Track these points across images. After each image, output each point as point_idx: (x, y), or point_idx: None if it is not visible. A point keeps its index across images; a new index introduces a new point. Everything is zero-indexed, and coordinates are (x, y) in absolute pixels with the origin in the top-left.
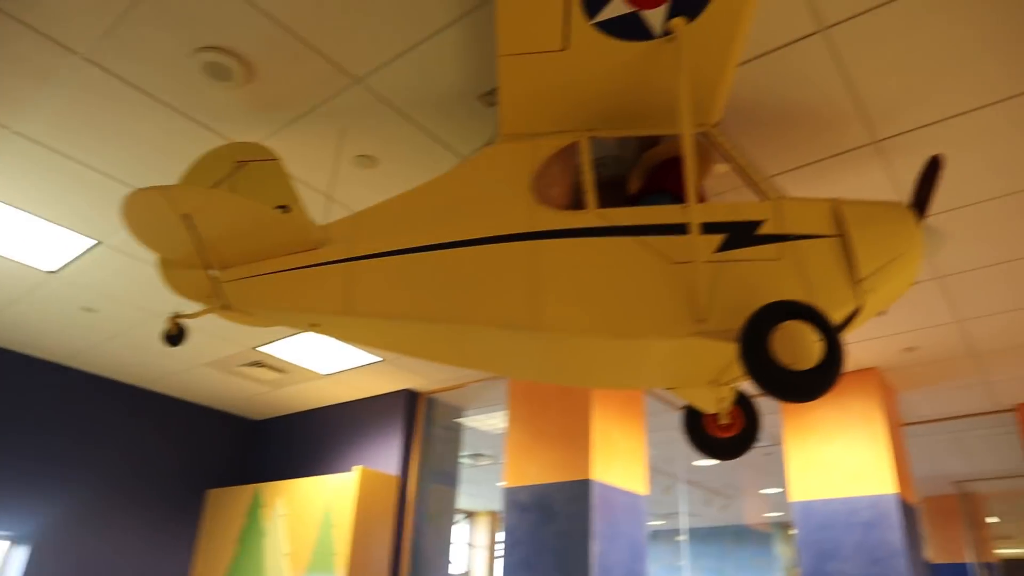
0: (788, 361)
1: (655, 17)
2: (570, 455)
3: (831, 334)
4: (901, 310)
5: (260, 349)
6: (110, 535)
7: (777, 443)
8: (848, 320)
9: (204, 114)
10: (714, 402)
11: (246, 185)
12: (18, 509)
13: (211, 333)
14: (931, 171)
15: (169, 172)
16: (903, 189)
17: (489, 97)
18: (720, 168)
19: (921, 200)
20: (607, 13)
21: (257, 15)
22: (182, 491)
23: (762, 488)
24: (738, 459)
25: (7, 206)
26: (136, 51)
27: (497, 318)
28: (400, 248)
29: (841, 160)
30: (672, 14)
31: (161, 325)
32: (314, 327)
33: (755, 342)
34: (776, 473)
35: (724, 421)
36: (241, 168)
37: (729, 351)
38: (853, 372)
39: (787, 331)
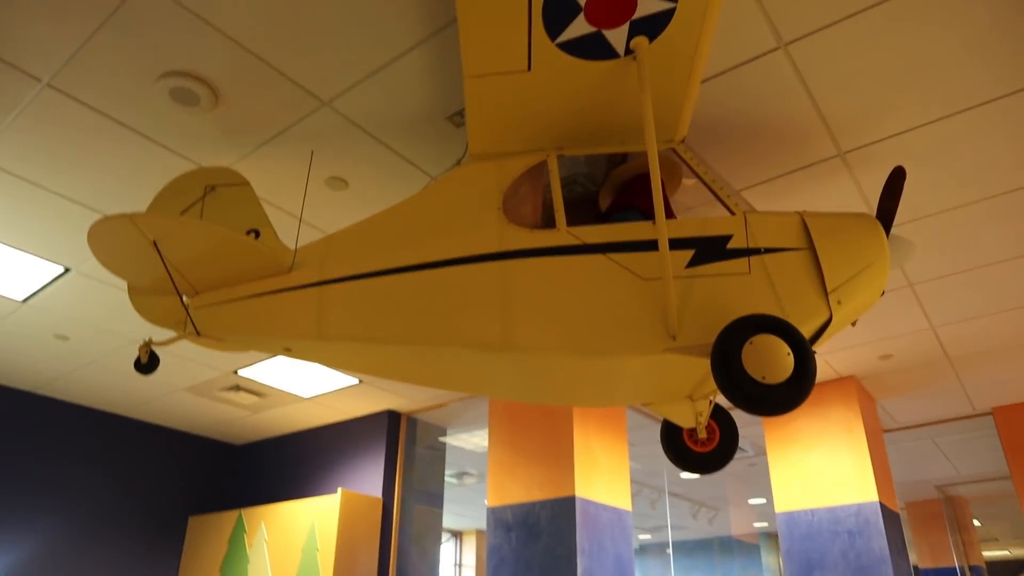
0: (760, 375)
1: (617, 37)
2: (553, 472)
3: (802, 347)
4: (876, 318)
5: (239, 373)
6: (89, 566)
7: (762, 453)
8: (819, 332)
9: (172, 139)
10: (691, 416)
11: (216, 210)
12: (5, 536)
13: (189, 358)
14: (895, 182)
15: (138, 198)
16: (872, 199)
17: (457, 117)
18: (688, 182)
19: (887, 211)
20: (570, 33)
21: (222, 40)
22: (163, 518)
23: (748, 499)
24: (722, 471)
25: None
26: (101, 77)
27: (469, 339)
28: (371, 271)
29: (808, 172)
30: (633, 34)
31: (135, 350)
32: (287, 351)
33: (727, 357)
34: (762, 483)
35: (702, 435)
36: (211, 193)
37: (703, 366)
38: (832, 381)
39: (758, 345)
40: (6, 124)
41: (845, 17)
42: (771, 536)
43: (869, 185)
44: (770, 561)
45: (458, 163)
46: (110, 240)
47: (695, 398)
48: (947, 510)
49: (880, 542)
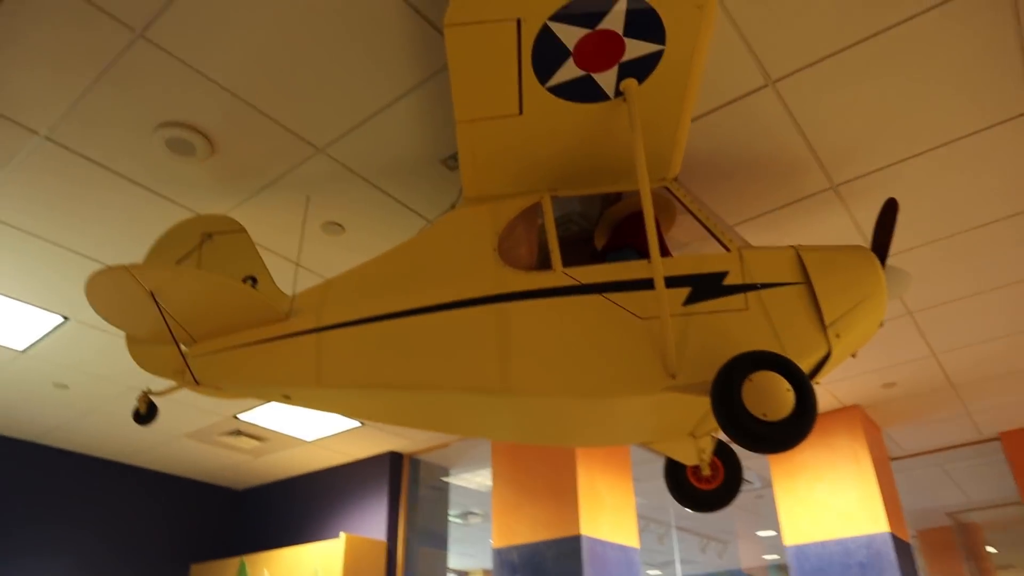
0: (761, 412)
1: (607, 79)
2: (558, 511)
3: (802, 382)
4: (877, 346)
5: (240, 417)
6: None
7: (768, 485)
8: (819, 366)
9: (169, 188)
10: (694, 454)
11: (213, 257)
12: None
13: (189, 403)
14: (888, 214)
15: (136, 246)
16: (866, 230)
17: (451, 161)
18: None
19: (881, 243)
20: (559, 77)
21: (216, 90)
22: (166, 567)
23: (757, 531)
24: (728, 505)
25: None
26: (98, 129)
27: (469, 383)
28: (368, 316)
29: (802, 206)
30: (623, 76)
31: (134, 398)
32: (287, 399)
33: (727, 395)
34: (770, 515)
35: (706, 472)
36: (208, 241)
37: (704, 403)
38: (836, 411)
39: (758, 382)
40: (3, 176)
41: (831, 54)
42: (781, 568)
43: (863, 216)
44: None
45: (453, 206)
46: (108, 292)
47: (697, 435)
48: (960, 537)
49: (892, 573)
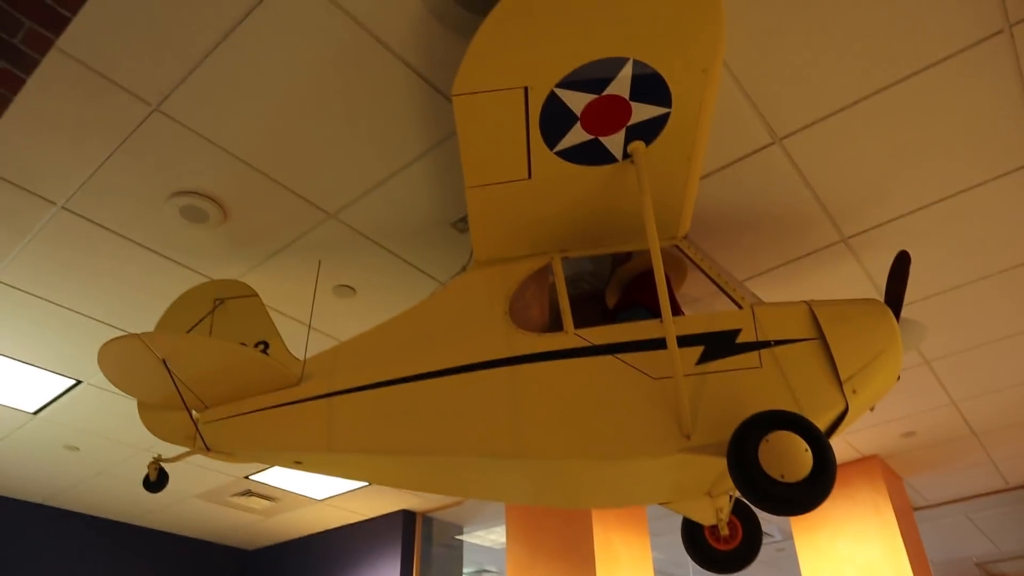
0: (779, 473)
1: (614, 142)
2: (574, 569)
3: (820, 442)
4: (896, 396)
5: (251, 478)
6: None
7: (790, 538)
8: (836, 423)
9: (182, 255)
10: (711, 513)
11: (225, 323)
12: None
13: (200, 464)
14: (900, 267)
15: (149, 311)
16: (879, 281)
17: (461, 224)
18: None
19: (895, 295)
20: (567, 142)
21: (228, 159)
22: None
23: None
24: (749, 565)
25: None
26: (113, 199)
27: (481, 447)
28: (380, 380)
29: (813, 259)
30: (630, 139)
31: (146, 459)
32: (298, 465)
33: (743, 457)
34: (792, 569)
35: (724, 532)
36: (220, 306)
37: (720, 463)
38: (855, 461)
39: (775, 443)
40: (22, 246)
41: (837, 111)
42: None
43: (875, 268)
44: None
45: (464, 268)
46: (120, 360)
47: (714, 495)
48: None
49: None
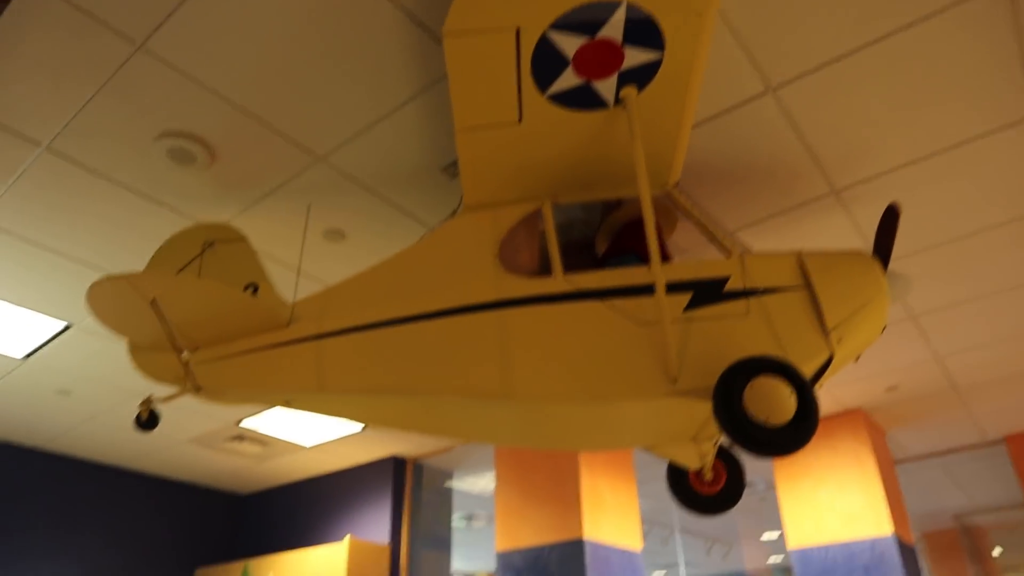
0: (763, 417)
1: (606, 87)
2: (561, 515)
3: (804, 387)
4: (880, 350)
5: (243, 424)
6: None
7: (772, 487)
8: (821, 371)
9: (170, 197)
10: (696, 458)
11: (215, 265)
12: None
13: (192, 409)
14: (889, 219)
15: (138, 254)
16: (868, 234)
17: (452, 168)
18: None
19: (883, 248)
20: (559, 86)
21: (216, 100)
22: (170, 572)
23: (762, 533)
24: (731, 509)
25: None
26: (99, 140)
27: (469, 388)
28: (369, 323)
29: (803, 211)
30: (622, 84)
31: (137, 404)
32: (288, 404)
33: (728, 400)
34: (774, 518)
35: (708, 477)
36: (209, 249)
37: (705, 408)
38: (839, 414)
39: (759, 387)
40: (7, 187)
41: (830, 61)
42: (786, 571)
43: (865, 221)
44: None
45: (454, 213)
46: (108, 301)
47: (699, 440)
48: (965, 540)
49: None
